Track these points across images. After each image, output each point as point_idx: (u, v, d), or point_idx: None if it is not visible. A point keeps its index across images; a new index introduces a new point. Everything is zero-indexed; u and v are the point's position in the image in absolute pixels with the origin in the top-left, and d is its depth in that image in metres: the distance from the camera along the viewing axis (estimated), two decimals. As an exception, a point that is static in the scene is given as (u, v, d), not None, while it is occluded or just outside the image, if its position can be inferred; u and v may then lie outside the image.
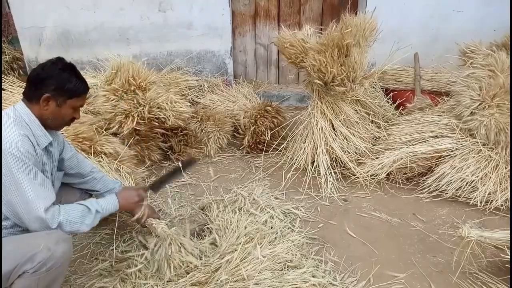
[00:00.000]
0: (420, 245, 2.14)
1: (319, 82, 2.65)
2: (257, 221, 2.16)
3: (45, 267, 1.34)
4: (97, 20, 3.98)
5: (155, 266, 1.82)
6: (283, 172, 2.78)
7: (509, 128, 2.44)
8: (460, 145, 2.56)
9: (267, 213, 2.27)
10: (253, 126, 3.15)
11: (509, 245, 1.72)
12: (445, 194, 2.50)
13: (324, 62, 2.57)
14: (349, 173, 2.74)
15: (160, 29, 4.03)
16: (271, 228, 2.15)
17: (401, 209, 2.47)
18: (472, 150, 2.53)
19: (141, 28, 4.03)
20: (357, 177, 2.67)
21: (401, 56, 3.28)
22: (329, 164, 2.71)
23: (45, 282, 1.38)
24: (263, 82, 4.57)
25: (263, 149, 3.14)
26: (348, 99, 2.83)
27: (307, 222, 2.33)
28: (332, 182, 2.66)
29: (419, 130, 2.74)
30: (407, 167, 2.61)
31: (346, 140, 2.77)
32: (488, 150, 2.51)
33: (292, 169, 2.77)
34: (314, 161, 2.77)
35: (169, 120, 2.76)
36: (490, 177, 2.44)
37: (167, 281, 1.77)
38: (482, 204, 2.40)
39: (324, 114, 2.80)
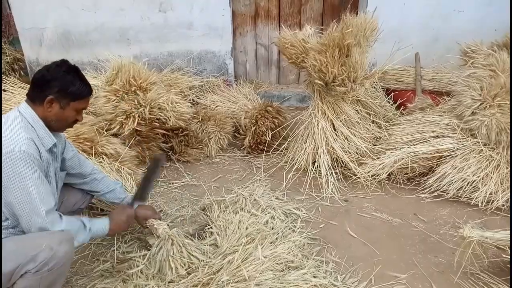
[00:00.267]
0: (421, 245, 2.14)
1: (319, 82, 2.65)
2: (258, 222, 2.16)
3: (47, 266, 1.35)
4: (97, 21, 3.98)
5: (156, 267, 1.82)
6: (284, 173, 2.78)
7: (510, 128, 2.43)
8: (461, 145, 2.56)
9: (268, 213, 2.27)
10: (254, 126, 3.15)
11: (510, 245, 1.72)
12: (446, 194, 2.49)
13: (325, 62, 2.57)
14: (350, 173, 2.74)
15: (160, 30, 4.03)
16: (272, 228, 2.14)
17: (402, 209, 2.46)
18: (473, 150, 2.53)
19: (141, 29, 4.03)
20: (358, 178, 2.67)
21: (402, 56, 3.28)
22: (330, 165, 2.71)
23: (47, 282, 1.38)
24: (264, 83, 4.57)
25: (264, 149, 3.14)
26: (349, 99, 2.83)
27: (308, 223, 2.33)
28: (333, 182, 2.66)
29: (420, 130, 2.74)
30: (408, 167, 2.61)
31: (347, 140, 2.76)
32: (489, 150, 2.51)
33: (293, 169, 2.77)
34: (315, 161, 2.77)
35: (170, 120, 2.76)
36: (491, 177, 2.44)
37: (169, 282, 1.77)
38: (483, 204, 2.40)
39: (325, 114, 2.80)
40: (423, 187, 2.61)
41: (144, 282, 1.79)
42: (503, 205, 2.39)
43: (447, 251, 2.09)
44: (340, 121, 2.79)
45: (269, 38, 4.34)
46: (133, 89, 2.71)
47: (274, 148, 3.09)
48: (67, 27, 4.01)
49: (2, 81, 3.14)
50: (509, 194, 2.39)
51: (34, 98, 1.55)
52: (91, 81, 2.93)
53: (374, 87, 3.38)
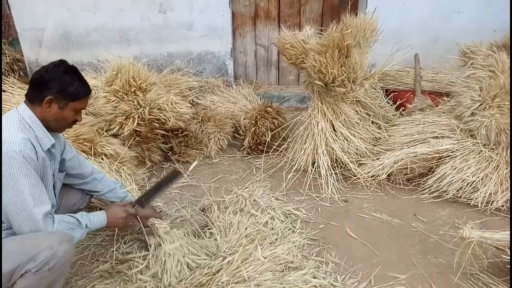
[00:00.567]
0: (421, 246, 2.14)
1: (319, 83, 2.65)
2: (257, 222, 2.16)
3: (48, 266, 1.35)
4: (97, 21, 3.98)
5: (156, 268, 1.82)
6: (284, 173, 2.78)
7: (509, 128, 2.44)
8: (461, 146, 2.56)
9: (268, 214, 2.27)
10: (253, 127, 3.15)
11: (510, 246, 1.72)
12: (446, 194, 2.50)
13: (324, 63, 2.57)
14: (349, 174, 2.74)
15: (160, 30, 4.04)
16: (272, 229, 2.14)
17: (402, 210, 2.46)
18: (473, 151, 2.53)
19: (141, 29, 4.03)
20: (358, 178, 2.67)
21: (401, 56, 3.28)
22: (330, 165, 2.71)
23: (47, 281, 1.38)
24: (264, 83, 4.57)
25: (263, 150, 3.14)
26: (348, 100, 2.83)
27: (308, 223, 2.33)
28: (332, 183, 2.66)
29: (420, 130, 2.74)
30: (407, 167, 2.61)
31: (347, 141, 2.77)
32: (489, 151, 2.51)
33: (293, 170, 2.77)
34: (314, 162, 2.77)
35: (169, 121, 2.76)
36: (491, 178, 2.44)
37: (168, 283, 1.76)
38: (483, 205, 2.40)
39: (325, 115, 2.80)
40: (422, 187, 2.62)
41: (144, 283, 1.78)
42: (503, 206, 2.39)
43: (446, 251, 2.09)
44: (340, 122, 2.80)
45: (269, 38, 4.34)
46: (132, 89, 2.71)
47: (274, 149, 3.09)
48: (67, 27, 4.01)
49: (2, 82, 3.14)
50: (508, 194, 2.39)
51: (32, 98, 1.54)
52: (91, 82, 2.94)
53: (374, 88, 3.39)
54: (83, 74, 1.64)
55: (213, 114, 3.31)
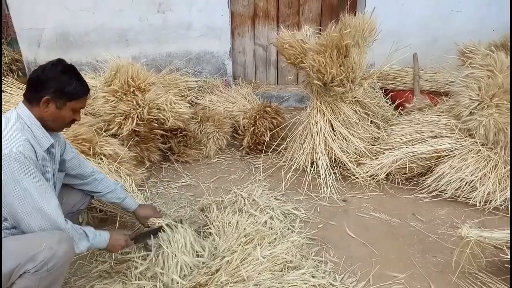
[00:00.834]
0: (419, 245, 2.15)
1: (318, 82, 2.66)
2: (256, 222, 2.16)
3: (47, 266, 1.34)
4: (96, 22, 3.98)
5: (155, 268, 1.82)
6: (283, 173, 2.78)
7: (508, 128, 2.44)
8: (459, 145, 2.57)
9: (267, 213, 2.27)
10: (252, 126, 3.15)
11: (509, 245, 1.73)
12: (445, 194, 2.50)
13: (323, 63, 2.57)
14: (348, 173, 2.75)
15: (159, 30, 4.03)
16: (271, 229, 2.15)
17: (400, 209, 2.47)
18: (471, 150, 2.54)
19: (140, 29, 4.03)
20: (357, 178, 2.67)
21: (400, 56, 3.28)
22: (329, 165, 2.71)
23: (46, 282, 1.38)
24: (262, 83, 4.57)
25: (262, 149, 3.14)
26: (347, 100, 2.84)
27: (307, 223, 2.33)
28: (331, 182, 2.66)
29: (418, 130, 2.75)
30: (406, 167, 2.62)
31: (346, 140, 2.77)
32: (487, 150, 2.52)
33: (292, 169, 2.77)
34: (313, 161, 2.77)
35: (168, 121, 2.76)
36: (489, 177, 2.45)
37: (168, 283, 1.77)
38: (481, 204, 2.40)
39: (324, 114, 2.80)
40: (421, 187, 2.62)
41: (143, 282, 1.78)
42: (501, 205, 2.39)
43: (445, 250, 2.09)
44: (339, 121, 2.80)
45: (268, 38, 4.35)
46: (131, 89, 2.71)
47: (273, 149, 3.09)
48: (66, 28, 4.00)
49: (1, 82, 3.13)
50: (506, 193, 2.39)
51: (30, 98, 1.53)
52: (90, 82, 2.93)
53: (373, 88, 3.39)
54: (82, 74, 1.63)
55: (212, 114, 3.31)
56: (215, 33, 4.08)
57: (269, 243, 2.00)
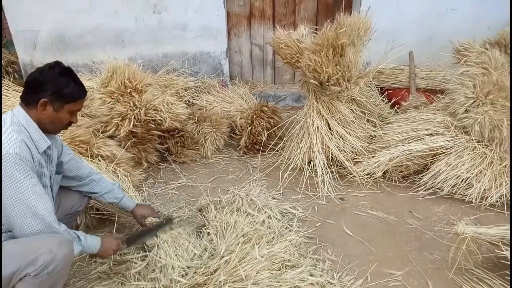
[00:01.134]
0: (416, 242, 2.16)
1: (314, 82, 2.67)
2: (254, 222, 2.17)
3: (47, 270, 1.34)
4: (92, 23, 3.97)
5: (154, 268, 1.83)
6: (280, 172, 2.79)
7: (503, 125, 2.46)
8: (455, 143, 2.59)
9: (265, 213, 2.27)
10: (249, 126, 3.16)
11: (509, 242, 1.74)
12: (441, 191, 2.52)
13: (319, 62, 2.58)
14: (345, 172, 2.76)
15: (155, 31, 4.03)
16: (269, 228, 2.16)
17: (397, 207, 2.48)
18: (467, 148, 2.56)
19: (136, 30, 4.03)
20: (354, 176, 2.69)
21: (396, 54, 3.29)
22: (326, 164, 2.73)
23: (46, 285, 1.38)
24: (259, 83, 4.58)
25: (260, 149, 3.15)
26: (343, 99, 2.85)
27: (305, 222, 2.35)
28: (329, 181, 2.67)
29: (415, 128, 2.76)
30: (403, 165, 2.63)
31: (342, 139, 2.78)
32: (483, 147, 2.54)
33: (289, 169, 2.78)
34: (310, 160, 2.78)
35: (165, 122, 2.77)
36: (485, 174, 2.47)
37: (167, 283, 1.78)
38: (478, 201, 2.42)
39: (320, 113, 2.81)
40: (418, 184, 2.64)
41: (142, 283, 1.79)
42: (497, 201, 2.41)
43: (442, 247, 2.11)
44: (335, 120, 2.81)
45: (264, 38, 4.35)
46: (128, 90, 2.71)
47: (270, 148, 3.10)
48: (62, 29, 4.00)
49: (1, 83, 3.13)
50: (502, 190, 2.41)
51: (27, 101, 1.53)
52: (86, 84, 2.93)
53: (369, 86, 3.40)
54: (79, 76, 1.63)
55: (209, 114, 3.31)
56: (211, 33, 4.08)
57: (267, 242, 2.01)
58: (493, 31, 3.50)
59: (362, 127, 2.90)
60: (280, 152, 3.06)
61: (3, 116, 1.54)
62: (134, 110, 2.67)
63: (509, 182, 2.42)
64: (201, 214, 2.37)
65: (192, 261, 1.90)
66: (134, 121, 2.66)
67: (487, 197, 2.42)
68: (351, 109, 2.90)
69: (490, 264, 1.93)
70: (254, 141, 3.16)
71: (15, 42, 4.10)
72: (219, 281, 1.73)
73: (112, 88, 2.71)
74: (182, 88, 3.73)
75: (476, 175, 2.47)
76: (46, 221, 1.44)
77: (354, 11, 3.34)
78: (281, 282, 1.75)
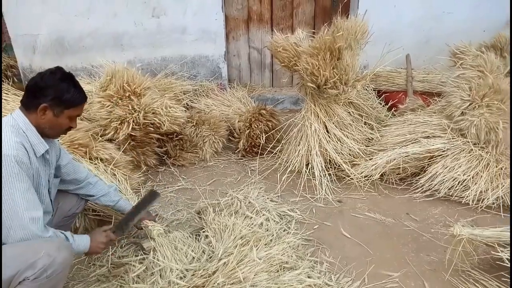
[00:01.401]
0: (413, 244, 2.18)
1: (312, 85, 2.69)
2: (253, 224, 2.18)
3: (46, 273, 1.35)
4: (91, 27, 3.99)
5: (152, 270, 1.84)
6: (278, 175, 2.81)
7: (499, 127, 2.48)
8: (452, 145, 2.61)
9: (263, 215, 2.29)
10: (248, 129, 3.18)
11: (510, 242, 1.75)
12: (438, 193, 2.54)
13: (316, 65, 2.60)
14: (343, 174, 2.78)
15: (154, 35, 4.06)
16: (267, 230, 2.17)
17: (394, 209, 2.50)
18: (463, 150, 2.58)
19: (135, 34, 4.05)
20: (351, 179, 2.70)
21: (393, 57, 3.32)
22: (324, 166, 2.74)
23: (46, 289, 1.38)
24: (257, 86, 4.60)
25: (258, 152, 3.17)
26: (341, 102, 2.87)
27: (303, 224, 2.36)
28: (326, 183, 2.69)
29: (411, 130, 2.78)
30: (400, 167, 2.65)
31: (340, 142, 2.80)
32: (479, 150, 2.56)
33: (287, 171, 2.79)
34: (308, 163, 2.80)
35: (164, 125, 2.78)
36: (481, 176, 2.49)
37: (165, 286, 1.79)
38: (474, 203, 2.44)
39: (318, 116, 2.83)
40: (415, 187, 2.66)
41: (141, 285, 1.80)
42: (493, 203, 2.43)
43: (439, 249, 2.12)
44: (333, 123, 2.83)
45: (262, 41, 4.38)
46: (127, 94, 2.73)
47: (268, 151, 3.12)
48: (61, 33, 4.02)
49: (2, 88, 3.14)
50: (498, 192, 2.43)
51: (28, 105, 1.55)
52: (85, 87, 2.93)
53: (366, 89, 3.43)
54: (78, 80, 1.64)
55: (208, 117, 3.33)
56: (210, 36, 4.11)
57: (265, 244, 2.02)
58: (490, 33, 3.53)
59: (360, 130, 2.92)
60: (278, 155, 3.07)
61: (3, 119, 1.55)
62: (133, 114, 2.69)
63: (510, 183, 2.44)
64: (200, 217, 2.39)
65: (191, 263, 1.91)
66: (133, 125, 2.68)
67: (483, 199, 2.44)
68: (349, 112, 2.92)
69: (487, 266, 1.94)
70: (253, 144, 3.18)
71: (14, 46, 4.12)
72: (217, 283, 1.74)
73: (111, 92, 2.73)
74: (181, 92, 3.75)
75: (472, 177, 2.49)
76: (31, 231, 1.42)
77: (351, 15, 3.36)
78: (279, 284, 1.76)
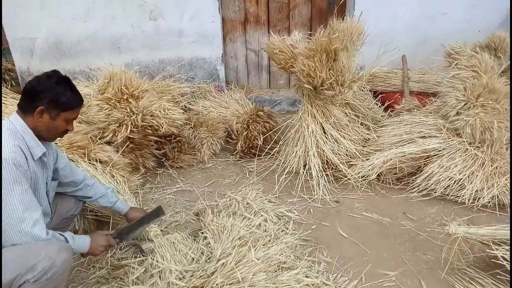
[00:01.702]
0: (410, 243, 2.20)
1: (308, 86, 2.71)
2: (251, 225, 2.20)
3: (46, 276, 1.36)
4: (88, 30, 4.01)
5: (151, 272, 1.85)
6: (276, 176, 2.82)
7: (493, 126, 2.50)
8: (447, 145, 2.63)
9: (261, 216, 2.31)
10: (245, 131, 3.19)
11: (510, 241, 1.77)
12: (434, 193, 2.56)
13: (313, 67, 2.62)
14: (340, 175, 2.80)
15: (151, 37, 4.07)
16: (265, 231, 2.19)
17: (391, 209, 2.52)
18: (459, 149, 2.60)
19: (132, 37, 4.06)
20: (348, 179, 2.72)
21: (389, 58, 3.33)
22: (321, 167, 2.76)
23: (46, 291, 1.39)
24: (255, 87, 4.62)
25: (256, 153, 3.18)
26: (337, 103, 2.89)
27: (300, 224, 2.38)
28: (324, 184, 2.71)
29: (408, 131, 2.81)
30: (396, 167, 2.67)
31: (337, 142, 2.82)
32: (474, 149, 2.58)
33: (285, 172, 2.81)
34: (306, 164, 2.82)
35: (162, 127, 2.79)
36: (477, 175, 2.51)
37: (164, 287, 1.80)
38: (470, 202, 2.46)
39: (315, 117, 2.85)
40: (411, 186, 2.68)
41: (141, 287, 1.81)
42: (489, 202, 2.46)
43: (435, 248, 2.14)
44: (330, 124, 2.85)
45: (259, 43, 4.40)
46: (125, 97, 2.74)
47: (266, 152, 3.14)
48: (58, 36, 4.02)
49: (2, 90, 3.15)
50: (494, 191, 2.45)
51: (24, 108, 1.56)
52: (83, 90, 2.95)
53: (362, 90, 3.45)
54: (75, 83, 1.66)
55: (206, 119, 3.34)
56: (207, 39, 4.13)
57: (263, 245, 2.04)
58: (485, 33, 3.56)
59: (356, 131, 2.94)
60: (276, 156, 3.09)
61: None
62: (131, 116, 2.70)
63: (510, 183, 2.46)
64: (198, 219, 2.40)
65: (190, 264, 1.93)
66: (131, 127, 2.69)
67: (479, 198, 2.46)
68: (345, 113, 2.94)
69: (482, 264, 1.97)
70: (250, 145, 3.20)
71: (12, 49, 4.12)
72: (216, 284, 1.75)
73: (109, 95, 2.74)
74: (179, 94, 3.77)
75: (468, 177, 2.52)
76: (30, 233, 1.42)
77: (347, 16, 3.38)
78: (277, 284, 1.78)
